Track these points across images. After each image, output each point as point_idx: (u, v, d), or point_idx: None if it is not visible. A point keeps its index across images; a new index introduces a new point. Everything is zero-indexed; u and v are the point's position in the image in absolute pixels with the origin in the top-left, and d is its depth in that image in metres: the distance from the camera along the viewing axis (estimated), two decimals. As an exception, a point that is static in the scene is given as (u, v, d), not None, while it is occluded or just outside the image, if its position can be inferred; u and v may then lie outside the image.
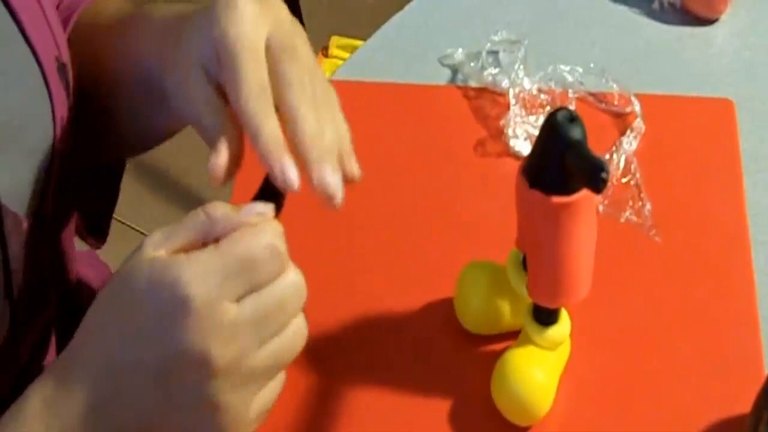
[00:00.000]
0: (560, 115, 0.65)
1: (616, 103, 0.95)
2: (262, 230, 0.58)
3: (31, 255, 0.71)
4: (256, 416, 0.60)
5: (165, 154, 1.98)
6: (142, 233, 1.89)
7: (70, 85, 0.74)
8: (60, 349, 0.64)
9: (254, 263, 0.57)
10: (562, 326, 0.76)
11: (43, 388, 0.60)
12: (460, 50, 0.99)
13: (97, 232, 0.88)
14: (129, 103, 0.77)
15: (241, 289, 0.57)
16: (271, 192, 0.62)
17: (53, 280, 0.80)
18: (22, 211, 0.69)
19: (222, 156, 0.61)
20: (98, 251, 1.00)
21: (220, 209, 0.59)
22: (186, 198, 1.98)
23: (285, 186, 0.60)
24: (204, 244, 0.58)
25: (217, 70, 0.63)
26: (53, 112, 0.71)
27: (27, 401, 0.59)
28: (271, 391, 0.61)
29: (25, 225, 0.70)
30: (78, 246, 0.94)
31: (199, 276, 0.56)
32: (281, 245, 0.59)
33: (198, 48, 0.64)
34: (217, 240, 0.58)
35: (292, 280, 0.59)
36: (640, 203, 0.88)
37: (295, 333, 0.60)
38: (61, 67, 0.72)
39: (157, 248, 0.59)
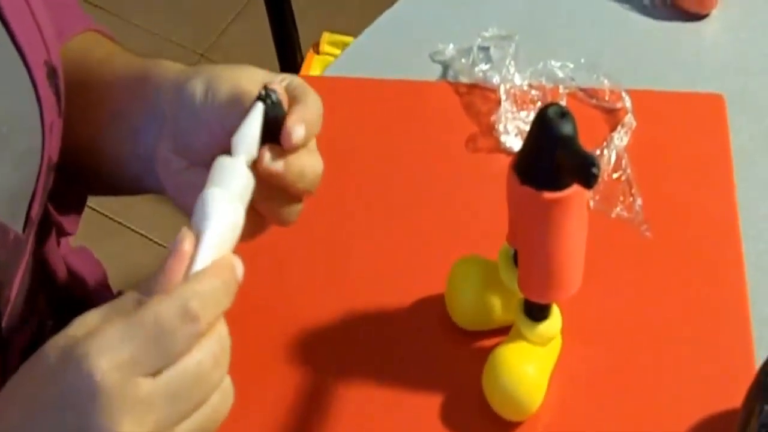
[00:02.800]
0: (551, 111, 0.65)
1: (607, 98, 0.95)
2: (173, 296, 0.54)
3: (19, 265, 0.69)
4: None
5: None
6: (134, 231, 1.88)
7: (60, 89, 0.71)
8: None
9: (165, 333, 0.53)
10: (553, 322, 0.76)
11: None
12: (451, 46, 0.99)
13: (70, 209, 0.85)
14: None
15: (156, 361, 0.53)
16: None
17: (42, 286, 0.79)
18: (9, 220, 0.67)
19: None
20: (92, 248, 1.00)
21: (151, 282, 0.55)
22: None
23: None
24: None
25: None
26: (42, 118, 0.69)
27: None
28: None
29: (11, 235, 0.67)
30: (72, 242, 0.93)
31: (107, 350, 0.52)
32: (196, 306, 0.54)
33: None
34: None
35: (211, 349, 0.54)
36: (631, 198, 0.88)
37: (219, 403, 0.56)
38: (51, 72, 0.70)
39: (86, 328, 0.55)
